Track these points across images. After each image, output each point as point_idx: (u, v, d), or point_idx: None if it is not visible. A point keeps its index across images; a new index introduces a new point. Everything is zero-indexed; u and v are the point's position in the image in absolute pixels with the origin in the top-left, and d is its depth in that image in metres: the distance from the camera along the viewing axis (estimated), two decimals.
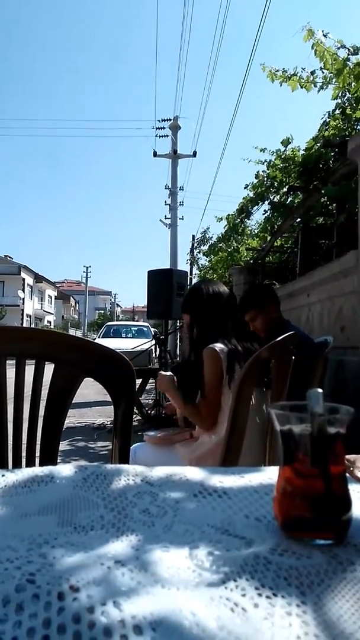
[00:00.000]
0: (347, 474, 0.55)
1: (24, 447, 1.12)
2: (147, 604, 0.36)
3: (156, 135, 18.54)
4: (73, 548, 0.46)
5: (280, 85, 4.98)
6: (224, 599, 0.38)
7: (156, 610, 0.35)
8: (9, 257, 44.52)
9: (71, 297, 65.70)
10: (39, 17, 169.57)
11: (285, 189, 6.48)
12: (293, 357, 1.55)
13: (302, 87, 4.96)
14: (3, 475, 0.66)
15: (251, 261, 8.99)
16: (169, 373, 1.97)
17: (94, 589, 0.38)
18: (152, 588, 0.39)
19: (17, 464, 1.11)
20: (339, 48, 4.61)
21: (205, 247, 10.67)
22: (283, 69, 5.00)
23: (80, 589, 0.38)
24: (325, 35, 4.57)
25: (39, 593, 0.38)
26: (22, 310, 42.39)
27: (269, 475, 0.67)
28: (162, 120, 18.31)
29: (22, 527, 0.50)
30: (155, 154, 17.01)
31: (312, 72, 4.92)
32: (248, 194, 7.27)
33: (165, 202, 18.21)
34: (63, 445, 4.50)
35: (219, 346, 1.75)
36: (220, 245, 10.00)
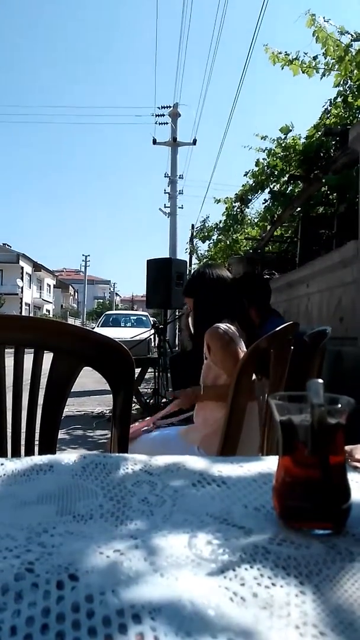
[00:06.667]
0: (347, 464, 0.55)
1: (22, 435, 1.13)
2: (146, 593, 0.36)
3: (156, 123, 18.37)
4: (72, 537, 0.46)
5: (282, 68, 4.86)
6: (223, 588, 0.38)
7: (155, 599, 0.35)
8: (7, 245, 44.20)
9: (70, 286, 65.49)
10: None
11: (285, 178, 6.43)
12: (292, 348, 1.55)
13: (303, 72, 4.87)
14: (2, 464, 0.66)
15: (250, 251, 8.95)
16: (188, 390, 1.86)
17: (93, 578, 0.38)
18: (151, 577, 0.39)
19: (16, 453, 1.11)
20: (341, 34, 4.54)
21: (204, 234, 10.63)
22: (285, 52, 4.90)
23: (79, 578, 0.38)
24: (327, 21, 4.50)
25: (38, 582, 0.38)
26: (21, 299, 42.26)
27: (268, 464, 0.67)
28: (162, 107, 18.12)
29: (21, 516, 0.50)
30: (154, 142, 16.86)
31: (315, 57, 4.83)
32: (248, 182, 7.21)
33: (165, 190, 18.09)
34: (62, 434, 4.51)
35: (223, 326, 1.75)
36: (220, 237, 9.96)
